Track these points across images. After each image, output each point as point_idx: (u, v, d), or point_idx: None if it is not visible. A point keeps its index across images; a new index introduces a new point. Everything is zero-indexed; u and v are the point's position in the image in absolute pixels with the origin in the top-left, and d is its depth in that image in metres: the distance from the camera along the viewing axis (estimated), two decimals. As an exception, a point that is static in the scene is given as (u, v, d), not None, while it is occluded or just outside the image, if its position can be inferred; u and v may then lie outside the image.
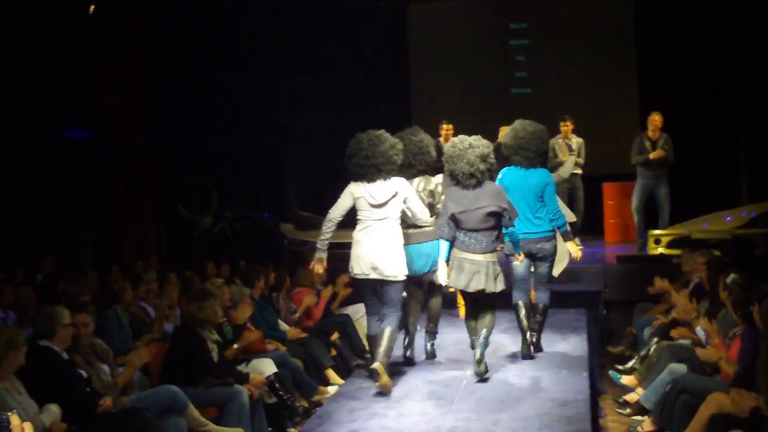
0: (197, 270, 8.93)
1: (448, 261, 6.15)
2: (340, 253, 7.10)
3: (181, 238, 13.16)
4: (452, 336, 7.37)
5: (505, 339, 7.24)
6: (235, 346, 6.60)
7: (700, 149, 12.60)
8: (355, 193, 6.17)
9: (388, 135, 6.24)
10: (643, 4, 13.68)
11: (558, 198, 6.99)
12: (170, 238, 13.55)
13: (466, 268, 6.08)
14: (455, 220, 6.11)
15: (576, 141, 11.01)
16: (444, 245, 6.11)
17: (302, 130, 14.38)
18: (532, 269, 6.84)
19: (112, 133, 12.49)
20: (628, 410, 6.69)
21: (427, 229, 6.42)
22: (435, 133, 10.15)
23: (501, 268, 6.21)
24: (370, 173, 6.10)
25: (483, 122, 9.57)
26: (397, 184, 6.15)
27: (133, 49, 12.80)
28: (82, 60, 11.77)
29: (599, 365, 7.67)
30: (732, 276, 5.87)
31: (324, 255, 6.31)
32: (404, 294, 6.38)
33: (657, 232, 10.22)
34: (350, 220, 6.29)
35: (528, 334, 6.64)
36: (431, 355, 6.83)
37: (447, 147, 6.30)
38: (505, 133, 7.24)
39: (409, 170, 6.52)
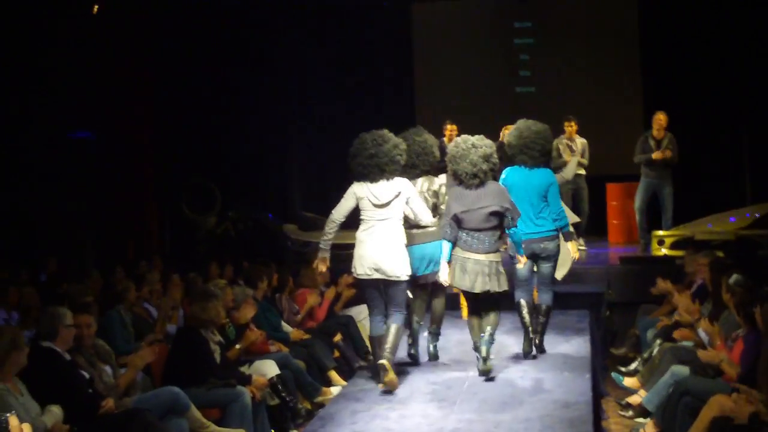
0: (200, 271, 8.90)
1: (449, 261, 6.15)
2: (344, 254, 7.07)
3: (185, 239, 13.14)
4: (455, 337, 7.37)
5: (507, 340, 7.23)
6: (238, 346, 6.60)
7: (703, 150, 12.56)
8: (358, 193, 6.17)
9: (391, 135, 6.24)
10: (647, 4, 13.65)
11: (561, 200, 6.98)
12: (173, 238, 13.53)
13: (469, 268, 6.08)
14: (458, 220, 6.11)
15: (580, 142, 10.98)
16: (446, 246, 6.12)
17: (306, 130, 14.39)
18: (535, 269, 6.84)
19: (115, 134, 12.49)
20: (630, 412, 6.65)
21: (430, 229, 6.40)
22: (438, 133, 10.15)
23: (504, 268, 6.20)
24: (373, 173, 6.10)
25: (486, 122, 9.58)
26: (400, 184, 6.15)
27: (136, 50, 12.78)
28: (85, 60, 11.76)
29: (602, 367, 7.64)
30: (735, 277, 5.84)
31: (327, 254, 6.30)
32: (409, 294, 6.37)
33: (660, 232, 10.20)
34: (353, 220, 6.29)
35: (530, 330, 6.64)
36: (434, 357, 6.83)
37: (450, 147, 6.33)
38: (508, 132, 7.22)
39: (412, 170, 6.52)
